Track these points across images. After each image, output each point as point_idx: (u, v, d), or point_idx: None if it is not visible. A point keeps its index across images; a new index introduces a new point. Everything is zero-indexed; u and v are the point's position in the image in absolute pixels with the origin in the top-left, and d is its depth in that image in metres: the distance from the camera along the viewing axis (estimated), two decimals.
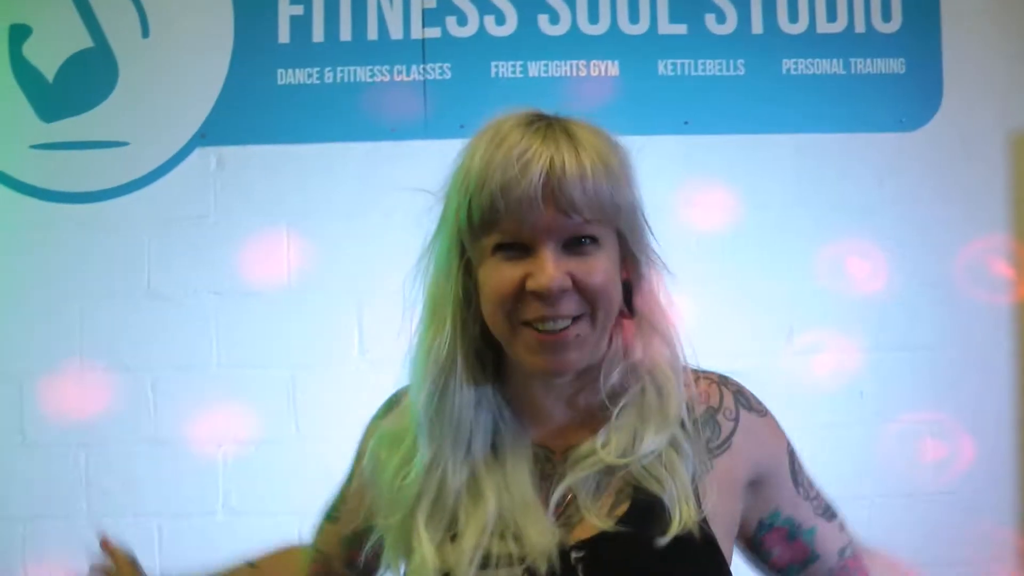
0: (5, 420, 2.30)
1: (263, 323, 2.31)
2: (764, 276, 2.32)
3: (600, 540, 0.95)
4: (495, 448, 1.00)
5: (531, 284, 0.94)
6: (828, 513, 1.11)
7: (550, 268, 0.93)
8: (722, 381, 1.06)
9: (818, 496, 1.10)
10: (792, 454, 1.08)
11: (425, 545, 0.96)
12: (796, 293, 2.33)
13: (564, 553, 0.94)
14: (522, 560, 0.93)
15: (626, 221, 0.98)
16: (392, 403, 1.12)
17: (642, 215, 1.01)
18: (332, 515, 1.20)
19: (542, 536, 0.94)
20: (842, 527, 1.13)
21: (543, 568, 0.92)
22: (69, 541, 2.26)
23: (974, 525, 2.31)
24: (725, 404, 1.03)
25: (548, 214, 0.93)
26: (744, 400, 1.05)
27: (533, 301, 0.94)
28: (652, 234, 1.02)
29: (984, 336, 2.35)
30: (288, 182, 2.33)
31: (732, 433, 1.02)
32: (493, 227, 0.95)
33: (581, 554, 0.94)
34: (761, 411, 1.06)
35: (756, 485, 1.04)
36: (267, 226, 2.33)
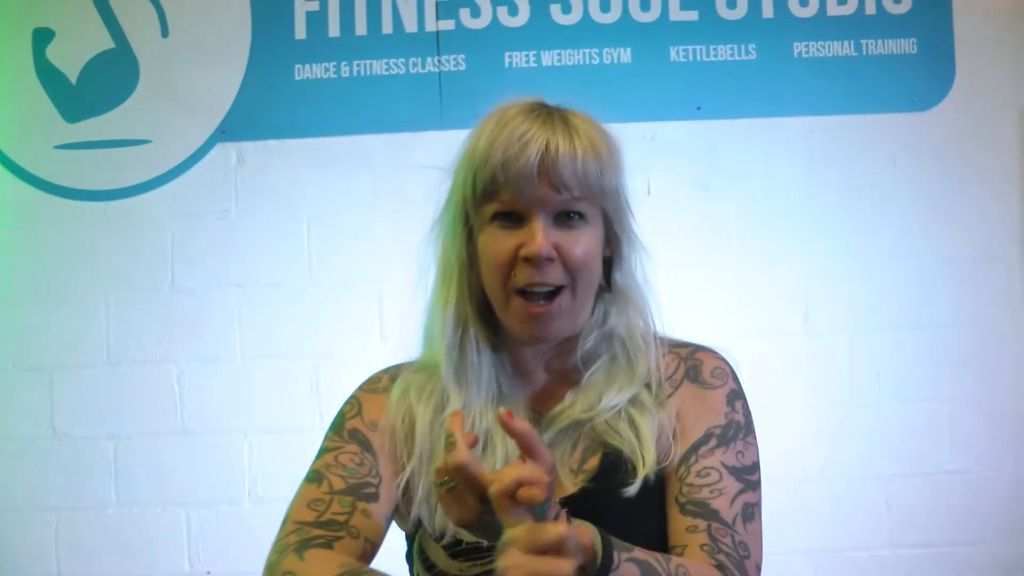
0: (36, 413, 2.35)
1: (286, 315, 2.35)
2: (779, 259, 2.33)
3: (579, 495, 1.05)
4: (500, 405, 1.10)
5: (523, 251, 1.05)
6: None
7: (540, 236, 1.05)
8: (689, 355, 1.14)
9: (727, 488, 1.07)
10: (723, 433, 1.09)
11: None
12: (811, 275, 2.34)
13: None
14: None
15: (611, 202, 1.10)
16: (381, 376, 1.18)
17: (626, 199, 1.12)
18: (370, 494, 1.09)
19: None
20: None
21: None
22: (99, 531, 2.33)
23: (990, 505, 2.31)
24: (676, 375, 1.13)
25: (542, 189, 1.05)
26: (695, 374, 1.13)
27: (524, 267, 1.05)
28: (633, 217, 1.13)
29: (999, 315, 2.35)
30: (308, 175, 2.37)
31: (670, 396, 1.12)
32: (493, 197, 1.06)
33: (564, 509, 1.00)
34: (710, 385, 1.12)
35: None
36: (288, 219, 2.36)
